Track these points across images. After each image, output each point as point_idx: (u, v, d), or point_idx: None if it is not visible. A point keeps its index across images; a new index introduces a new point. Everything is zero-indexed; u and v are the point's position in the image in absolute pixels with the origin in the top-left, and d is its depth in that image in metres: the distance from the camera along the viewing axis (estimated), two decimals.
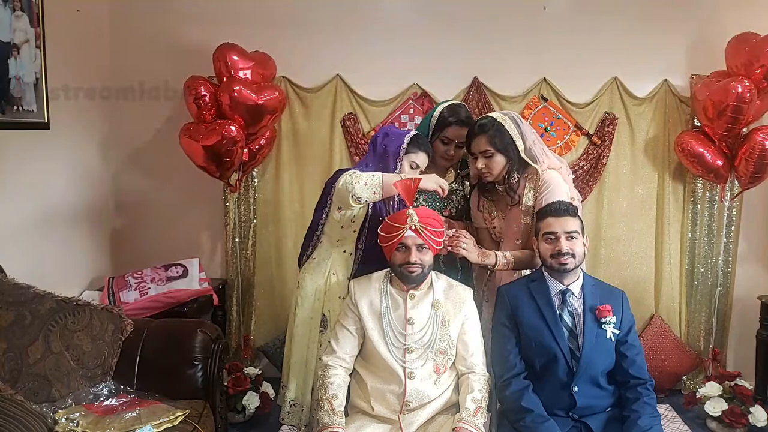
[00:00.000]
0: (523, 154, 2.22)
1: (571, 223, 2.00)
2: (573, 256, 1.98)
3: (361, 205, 2.16)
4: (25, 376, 2.13)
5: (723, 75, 3.06)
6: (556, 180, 2.20)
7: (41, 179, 2.81)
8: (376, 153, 2.32)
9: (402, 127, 3.34)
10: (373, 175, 2.12)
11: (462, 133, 2.37)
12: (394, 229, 1.99)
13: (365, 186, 2.10)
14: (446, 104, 2.48)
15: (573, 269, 2.01)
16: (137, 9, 3.31)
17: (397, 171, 2.24)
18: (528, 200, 2.23)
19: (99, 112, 3.26)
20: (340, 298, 2.28)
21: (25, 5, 2.58)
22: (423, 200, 2.45)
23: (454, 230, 2.19)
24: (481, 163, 2.23)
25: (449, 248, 2.15)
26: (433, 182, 2.22)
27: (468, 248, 2.16)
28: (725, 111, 2.93)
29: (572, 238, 1.99)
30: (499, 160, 2.21)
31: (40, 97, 2.72)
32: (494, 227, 2.36)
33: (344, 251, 2.31)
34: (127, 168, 3.43)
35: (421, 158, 2.29)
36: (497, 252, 2.23)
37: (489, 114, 2.34)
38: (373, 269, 2.18)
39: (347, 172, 2.16)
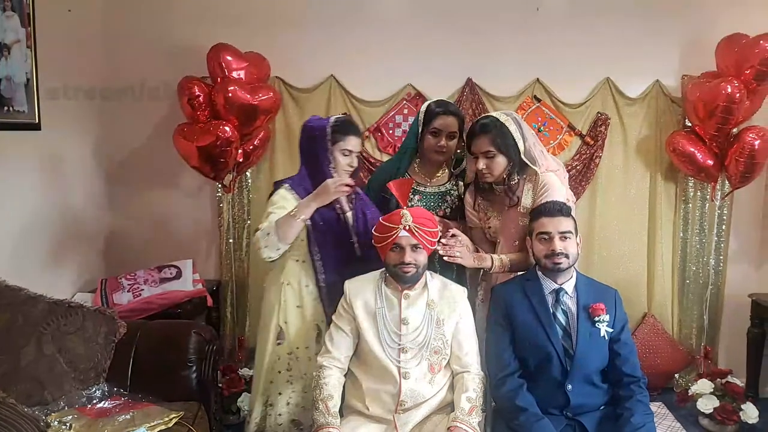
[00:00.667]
0: (523, 156, 2.21)
1: (565, 223, 2.01)
2: (567, 256, 1.99)
3: (274, 258, 2.15)
4: (18, 380, 2.12)
5: (713, 76, 3.08)
6: (555, 183, 2.21)
7: (33, 180, 2.79)
8: (304, 153, 2.28)
9: (396, 127, 3.34)
10: (267, 234, 2.12)
11: (449, 122, 2.37)
12: (389, 229, 1.99)
13: (267, 248, 2.12)
14: (432, 100, 2.50)
15: (567, 269, 2.02)
16: (129, 9, 3.29)
17: (332, 165, 2.20)
18: (527, 201, 2.23)
19: (91, 112, 3.24)
20: (297, 307, 2.26)
21: (15, 5, 2.56)
22: (417, 200, 2.44)
23: (451, 233, 2.19)
24: (482, 164, 2.21)
25: (444, 258, 2.14)
26: (332, 192, 2.15)
27: (463, 255, 2.15)
28: (715, 111, 2.95)
29: (566, 238, 2.00)
30: (501, 161, 2.21)
31: (32, 97, 2.70)
32: (489, 227, 2.36)
33: (297, 260, 2.27)
34: (120, 169, 3.41)
35: (352, 142, 2.24)
36: (493, 255, 2.23)
37: (491, 114, 2.33)
38: (339, 276, 2.17)
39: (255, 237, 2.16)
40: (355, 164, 2.25)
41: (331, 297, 2.21)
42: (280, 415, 2.28)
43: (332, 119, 2.25)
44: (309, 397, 2.16)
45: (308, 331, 2.27)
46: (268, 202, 2.26)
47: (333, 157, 2.21)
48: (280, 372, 2.28)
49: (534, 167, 2.22)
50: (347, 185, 2.18)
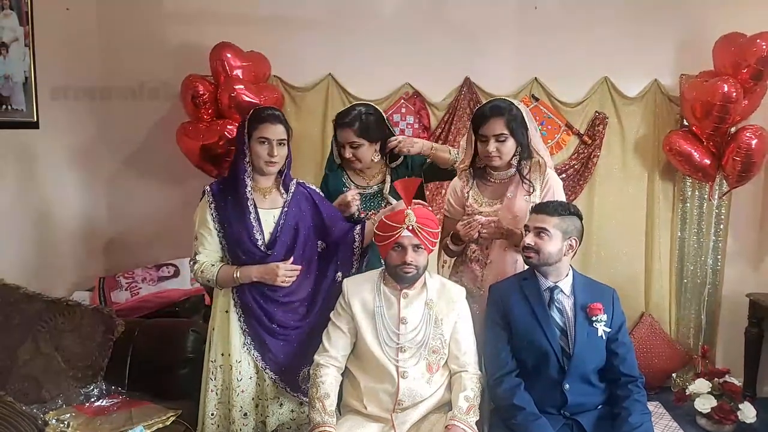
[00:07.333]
0: (532, 143, 2.21)
1: (545, 221, 2.00)
2: (537, 251, 1.99)
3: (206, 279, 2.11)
4: (15, 378, 2.12)
5: (711, 75, 3.09)
6: (559, 184, 2.24)
7: (31, 179, 2.79)
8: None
9: (394, 127, 3.33)
10: (208, 281, 2.09)
11: (347, 135, 2.31)
12: (391, 228, 1.97)
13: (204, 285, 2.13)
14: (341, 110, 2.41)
15: (536, 265, 2.02)
16: (127, 7, 3.28)
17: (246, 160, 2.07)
18: (538, 192, 2.21)
19: (89, 111, 3.24)
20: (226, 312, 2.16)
21: (13, 4, 2.57)
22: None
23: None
24: (492, 147, 2.16)
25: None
26: (277, 280, 2.07)
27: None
28: (712, 110, 2.96)
29: (541, 235, 1.99)
30: (511, 145, 2.18)
31: (30, 96, 2.70)
32: (479, 213, 2.25)
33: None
34: (118, 167, 3.40)
35: (270, 130, 2.07)
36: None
37: (500, 97, 2.32)
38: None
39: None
40: (276, 154, 2.06)
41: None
42: None
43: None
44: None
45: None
46: (196, 213, 2.17)
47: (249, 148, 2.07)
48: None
49: (540, 156, 2.22)
50: (293, 271, 2.10)
